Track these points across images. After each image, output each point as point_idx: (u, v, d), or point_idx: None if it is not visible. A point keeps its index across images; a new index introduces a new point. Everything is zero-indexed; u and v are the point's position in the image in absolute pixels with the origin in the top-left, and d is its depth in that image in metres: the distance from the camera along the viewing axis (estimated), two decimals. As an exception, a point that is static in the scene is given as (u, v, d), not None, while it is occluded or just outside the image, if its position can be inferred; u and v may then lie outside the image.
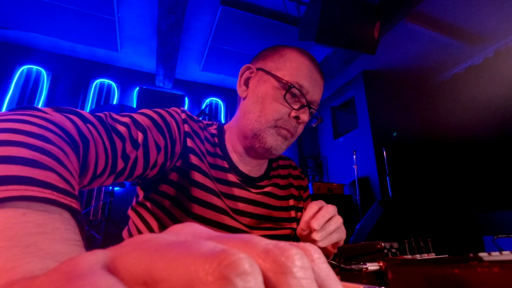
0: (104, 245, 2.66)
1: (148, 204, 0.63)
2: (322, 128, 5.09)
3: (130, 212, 0.68)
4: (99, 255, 0.12)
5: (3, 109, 3.37)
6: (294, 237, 0.75)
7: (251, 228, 0.67)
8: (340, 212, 0.58)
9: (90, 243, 2.87)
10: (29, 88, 3.61)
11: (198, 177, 0.61)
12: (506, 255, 0.23)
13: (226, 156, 0.70)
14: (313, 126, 0.74)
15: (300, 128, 0.68)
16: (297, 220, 0.77)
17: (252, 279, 0.10)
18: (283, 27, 3.10)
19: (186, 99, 4.46)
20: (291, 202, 0.78)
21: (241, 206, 0.67)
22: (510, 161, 3.23)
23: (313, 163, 4.82)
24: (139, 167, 0.52)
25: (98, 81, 4.03)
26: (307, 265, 0.12)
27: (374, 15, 2.51)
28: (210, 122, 0.75)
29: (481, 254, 0.23)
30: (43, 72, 3.75)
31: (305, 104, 0.65)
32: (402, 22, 2.95)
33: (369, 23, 2.51)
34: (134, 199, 0.69)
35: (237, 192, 0.68)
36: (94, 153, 0.41)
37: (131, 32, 3.43)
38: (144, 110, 0.59)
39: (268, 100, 0.65)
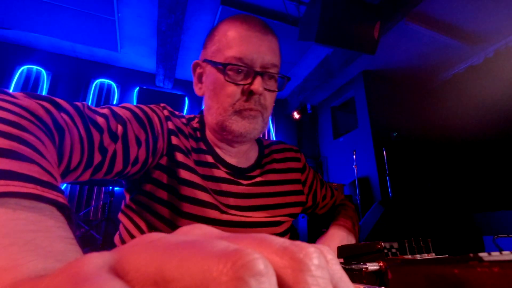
0: (104, 245, 2.66)
1: (135, 207, 0.61)
2: (322, 128, 5.09)
3: (120, 216, 0.66)
4: (106, 257, 0.12)
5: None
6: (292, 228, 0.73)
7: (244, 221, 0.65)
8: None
9: (90, 243, 2.87)
10: (29, 88, 3.61)
11: (185, 174, 0.59)
12: (506, 255, 0.23)
13: (210, 150, 0.67)
14: (283, 88, 0.67)
15: (266, 99, 0.62)
16: (295, 204, 0.74)
17: (267, 280, 0.10)
18: (283, 27, 3.10)
19: (186, 99, 4.46)
20: (290, 187, 0.74)
21: (232, 201, 0.64)
22: (510, 161, 3.23)
23: (313, 163, 4.82)
24: (119, 162, 0.49)
25: (98, 81, 4.03)
26: (324, 264, 0.12)
27: (374, 15, 2.51)
28: (192, 116, 0.72)
29: (481, 254, 0.23)
30: (43, 72, 3.75)
31: (254, 74, 0.59)
32: (402, 22, 2.95)
33: (369, 23, 2.51)
34: (123, 203, 0.66)
35: (225, 187, 0.65)
36: (69, 144, 0.38)
37: (131, 32, 3.43)
38: (125, 104, 0.57)
39: (217, 88, 0.61)
